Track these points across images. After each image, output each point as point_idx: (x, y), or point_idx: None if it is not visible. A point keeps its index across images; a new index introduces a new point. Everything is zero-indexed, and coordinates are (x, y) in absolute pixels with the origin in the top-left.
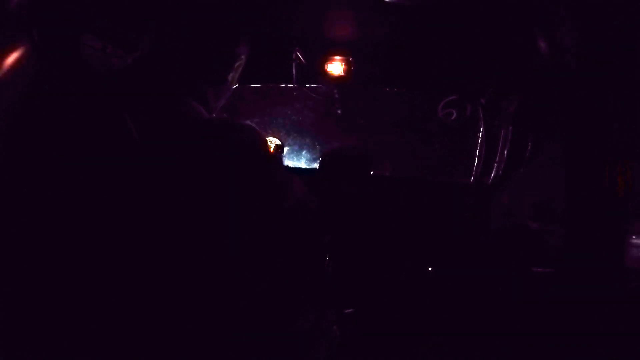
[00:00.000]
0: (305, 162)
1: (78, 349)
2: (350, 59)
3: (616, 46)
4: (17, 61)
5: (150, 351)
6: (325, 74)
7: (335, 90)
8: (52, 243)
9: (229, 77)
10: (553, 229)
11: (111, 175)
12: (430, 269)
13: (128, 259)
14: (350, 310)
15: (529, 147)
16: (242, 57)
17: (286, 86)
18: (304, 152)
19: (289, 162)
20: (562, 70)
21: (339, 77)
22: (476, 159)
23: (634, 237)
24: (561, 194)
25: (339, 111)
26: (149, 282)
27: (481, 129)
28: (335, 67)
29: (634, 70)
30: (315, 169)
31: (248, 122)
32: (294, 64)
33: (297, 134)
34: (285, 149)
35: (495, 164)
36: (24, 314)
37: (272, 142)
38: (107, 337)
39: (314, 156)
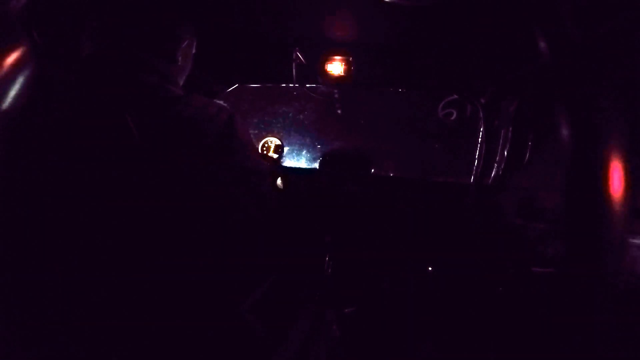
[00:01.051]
0: (305, 162)
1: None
2: (350, 59)
3: (617, 45)
4: (17, 61)
5: (151, 348)
6: (325, 74)
7: (335, 90)
8: (53, 241)
9: (177, 56)
10: (552, 229)
11: (111, 174)
12: (430, 269)
13: (126, 251)
14: (350, 310)
15: (529, 147)
16: (186, 38)
17: (286, 86)
18: (304, 152)
19: (289, 162)
20: (563, 70)
21: (339, 77)
22: (476, 159)
23: (634, 237)
24: (561, 194)
25: (339, 111)
26: (149, 275)
27: (481, 129)
28: (335, 67)
29: (634, 69)
30: (315, 169)
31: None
32: (294, 64)
33: (297, 134)
34: (285, 149)
35: (495, 164)
36: (24, 312)
37: (272, 142)
38: (105, 338)
39: (314, 156)
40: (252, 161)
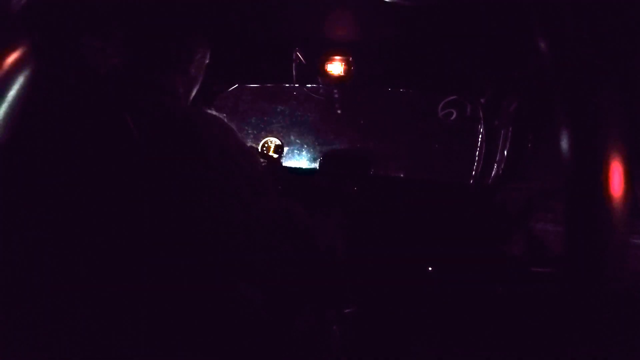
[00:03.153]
0: (305, 162)
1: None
2: (350, 59)
3: (617, 46)
4: (17, 61)
5: (150, 349)
6: (325, 74)
7: (335, 90)
8: (52, 242)
9: (191, 69)
10: (553, 229)
11: (109, 173)
12: (430, 269)
13: (127, 257)
14: (350, 310)
15: (529, 147)
16: (199, 50)
17: (286, 86)
18: (304, 152)
19: (289, 162)
20: (562, 70)
21: (339, 77)
22: (476, 159)
23: (634, 237)
24: (561, 194)
25: (339, 111)
26: (147, 278)
27: (481, 129)
28: (335, 67)
29: (634, 69)
30: (315, 169)
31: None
32: (294, 64)
33: (297, 134)
34: (285, 149)
35: (495, 164)
36: (22, 312)
37: (272, 142)
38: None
39: (314, 156)
40: (256, 171)
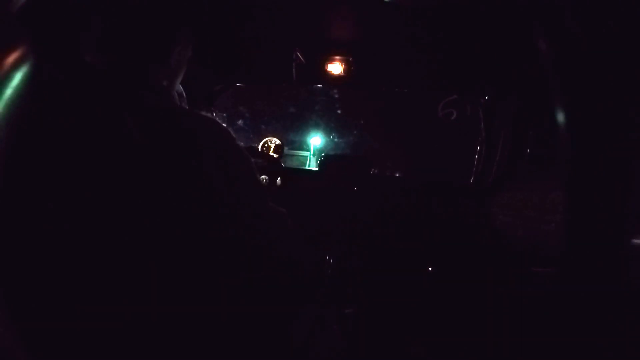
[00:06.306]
0: (306, 162)
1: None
2: (350, 59)
3: (617, 45)
4: (17, 61)
5: (147, 348)
6: (325, 74)
7: (335, 90)
8: (51, 242)
9: (172, 60)
10: (552, 229)
11: (109, 172)
12: (430, 269)
13: (126, 255)
14: (350, 310)
15: (529, 147)
16: (181, 42)
17: (286, 86)
18: (303, 152)
19: (289, 162)
20: (562, 70)
21: (339, 77)
22: (476, 159)
23: (634, 237)
24: (561, 194)
25: (339, 111)
26: (145, 279)
27: (481, 129)
28: (335, 67)
29: (634, 69)
30: (315, 169)
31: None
32: (294, 64)
33: (297, 134)
34: (285, 149)
35: (495, 164)
36: (21, 311)
37: (272, 142)
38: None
39: (314, 156)
40: (251, 174)
